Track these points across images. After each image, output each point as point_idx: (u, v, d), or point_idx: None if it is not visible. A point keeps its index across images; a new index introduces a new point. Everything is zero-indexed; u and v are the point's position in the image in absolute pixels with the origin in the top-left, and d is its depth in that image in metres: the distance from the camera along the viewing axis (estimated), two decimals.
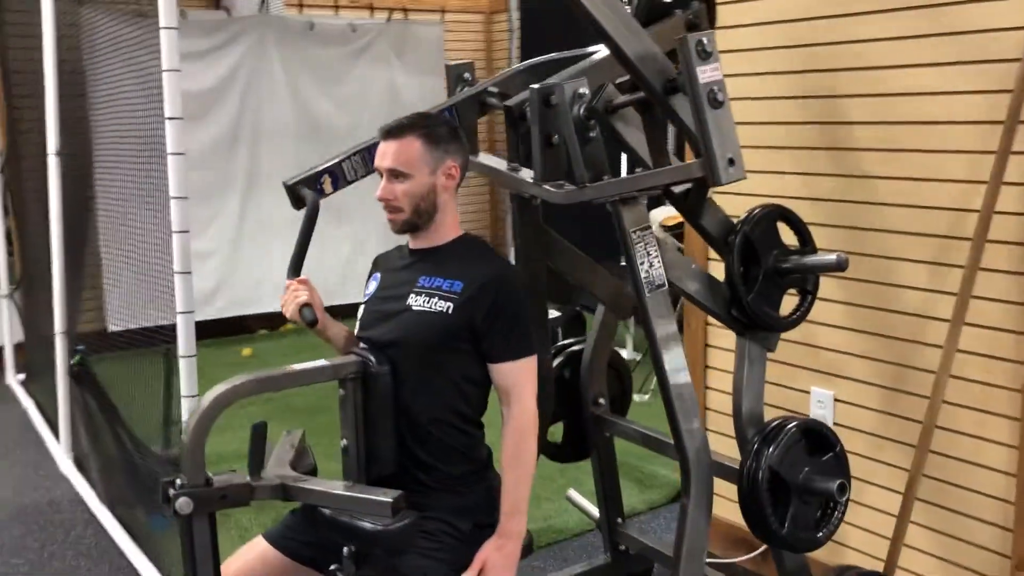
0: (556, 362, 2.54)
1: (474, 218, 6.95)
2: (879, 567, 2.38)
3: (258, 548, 1.93)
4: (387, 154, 1.90)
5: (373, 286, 2.05)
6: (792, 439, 1.96)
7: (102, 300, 5.59)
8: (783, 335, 2.62)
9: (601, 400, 2.53)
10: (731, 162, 1.68)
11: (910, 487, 2.30)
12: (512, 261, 2.37)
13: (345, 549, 1.82)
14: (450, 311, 1.86)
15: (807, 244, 2.09)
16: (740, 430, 2.06)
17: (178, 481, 1.66)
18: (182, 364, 2.47)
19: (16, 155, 5.19)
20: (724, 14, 2.72)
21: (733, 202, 2.29)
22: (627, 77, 1.96)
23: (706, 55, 1.65)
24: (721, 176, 1.67)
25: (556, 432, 2.60)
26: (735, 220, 2.03)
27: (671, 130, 3.88)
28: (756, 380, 2.08)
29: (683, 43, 1.64)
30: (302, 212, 2.05)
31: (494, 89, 2.20)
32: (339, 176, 2.12)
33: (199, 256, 4.82)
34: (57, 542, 3.23)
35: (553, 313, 5.32)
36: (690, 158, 1.96)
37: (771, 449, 1.94)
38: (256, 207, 5.85)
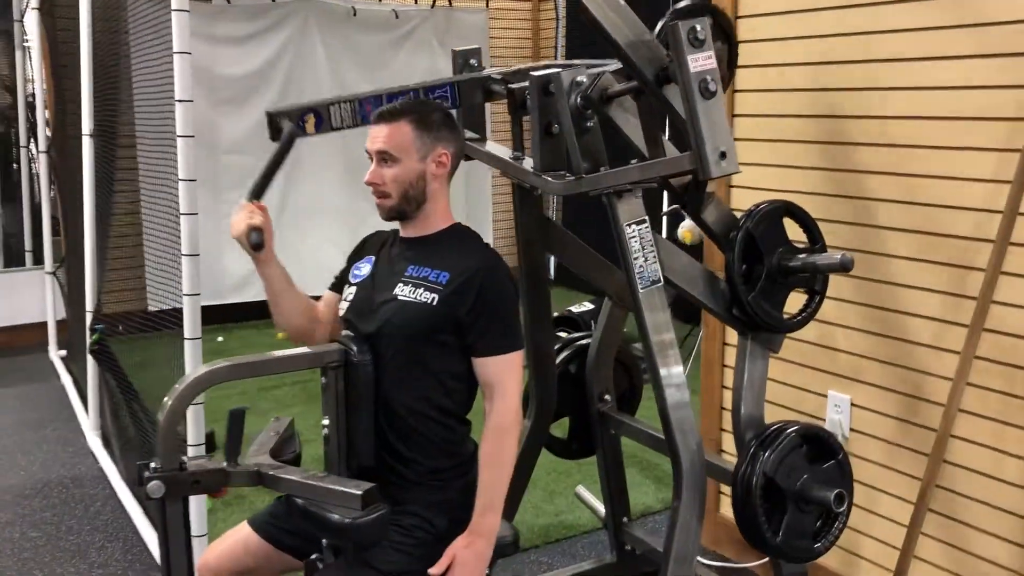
0: (562, 356, 2.49)
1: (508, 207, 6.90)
2: None
3: (241, 533, 1.92)
4: (378, 137, 1.86)
5: (367, 269, 1.98)
6: (791, 444, 1.89)
7: (143, 280, 5.73)
8: (801, 335, 2.56)
9: (607, 396, 2.47)
10: (723, 155, 1.61)
11: (922, 498, 2.21)
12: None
13: (324, 540, 1.81)
14: (435, 302, 1.82)
15: (816, 242, 2.01)
16: (738, 433, 1.99)
17: (152, 464, 1.65)
18: (187, 346, 2.49)
19: (64, 136, 5.30)
20: (744, 2, 2.63)
21: (752, 197, 2.23)
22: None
23: (698, 43, 1.58)
24: (712, 169, 1.60)
25: (563, 427, 2.55)
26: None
27: None
28: (757, 382, 2.01)
29: (674, 30, 1.57)
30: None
31: (498, 76, 2.15)
32: (323, 119, 2.04)
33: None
34: (75, 517, 3.29)
35: (587, 305, 5.27)
36: None
37: (768, 454, 1.87)
38: (296, 192, 5.88)
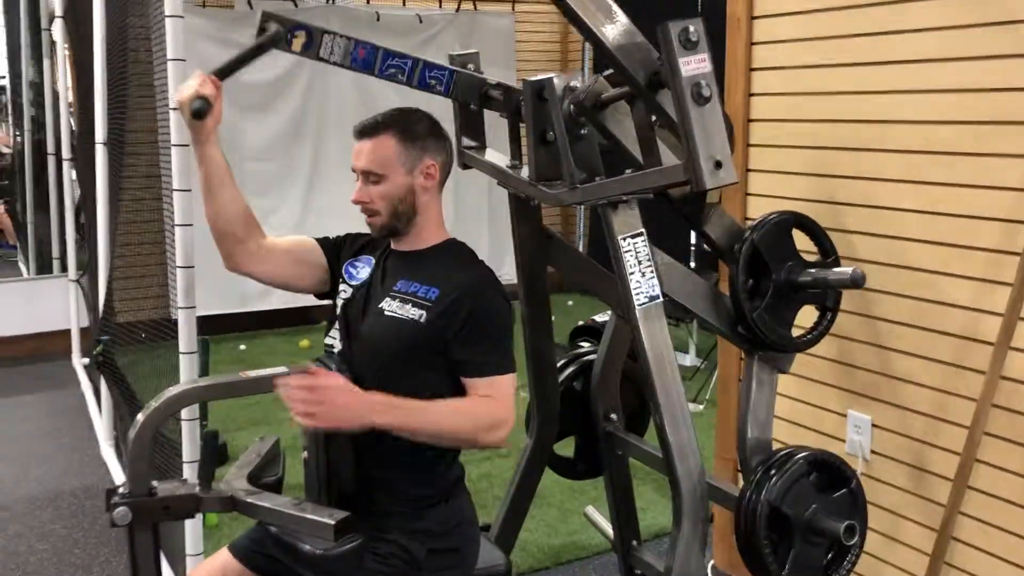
0: (567, 372, 2.39)
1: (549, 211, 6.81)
2: None
3: (221, 559, 1.85)
4: (361, 153, 1.78)
5: (365, 273, 1.88)
6: (799, 471, 1.77)
7: (166, 288, 5.73)
8: (819, 352, 2.44)
9: (613, 416, 2.36)
10: (718, 165, 1.50)
11: (945, 526, 2.08)
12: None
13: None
14: (422, 319, 1.73)
15: (829, 255, 1.90)
16: (744, 458, 1.88)
17: (120, 489, 1.59)
18: (182, 361, 2.41)
19: (86, 144, 5.31)
20: (760, 2, 2.52)
21: (769, 205, 2.11)
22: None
23: (691, 45, 1.48)
24: (706, 180, 1.49)
25: (570, 446, 2.46)
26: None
27: None
28: (764, 404, 1.90)
29: (664, 31, 1.47)
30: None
31: (493, 81, 2.06)
32: (313, 43, 1.87)
33: None
34: (83, 530, 3.26)
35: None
36: None
37: (774, 480, 1.76)
38: (319, 199, 5.85)
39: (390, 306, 1.78)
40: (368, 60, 1.90)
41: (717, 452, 2.89)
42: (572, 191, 1.79)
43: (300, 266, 1.90)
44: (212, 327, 5.51)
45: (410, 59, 1.95)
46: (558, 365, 2.40)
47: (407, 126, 1.79)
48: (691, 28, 1.48)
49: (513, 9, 6.44)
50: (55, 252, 6.02)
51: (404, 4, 6.02)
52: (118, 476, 3.64)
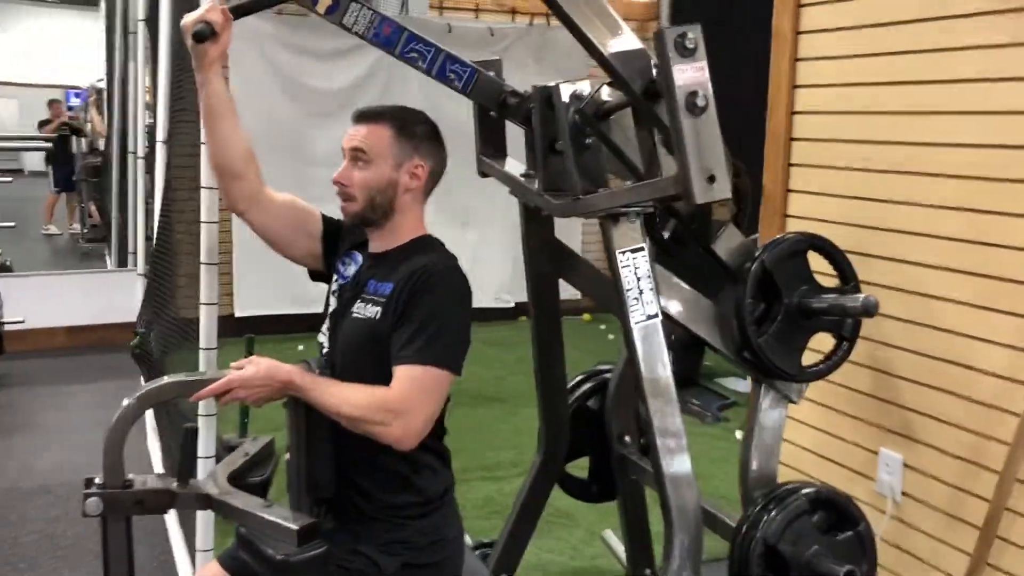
0: (582, 389, 2.32)
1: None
2: None
3: (210, 571, 1.82)
4: (355, 136, 1.76)
5: (352, 271, 1.84)
6: (800, 508, 1.67)
7: (230, 287, 5.86)
8: (853, 384, 2.32)
9: (627, 438, 2.28)
10: (712, 179, 1.42)
11: None
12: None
13: None
14: (377, 316, 1.70)
15: (848, 281, 1.79)
16: (746, 490, 1.78)
17: (96, 480, 1.59)
18: (201, 357, 2.43)
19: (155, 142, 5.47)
20: (806, 17, 2.41)
21: (809, 228, 2.01)
22: None
23: (687, 52, 1.41)
24: (697, 194, 1.41)
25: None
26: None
27: None
28: (770, 434, 1.80)
29: (659, 36, 1.41)
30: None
31: (510, 88, 2.01)
32: (338, 7, 1.78)
33: None
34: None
35: None
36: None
37: (773, 515, 1.66)
38: None
39: (357, 308, 1.76)
40: (391, 39, 1.85)
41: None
42: (575, 202, 1.73)
43: (295, 231, 1.86)
44: (271, 327, 5.62)
45: (434, 47, 1.91)
46: (575, 382, 2.34)
47: (406, 122, 1.76)
48: (689, 34, 1.41)
49: None
50: (131, 247, 6.22)
51: (477, 16, 6.03)
52: (159, 467, 3.71)
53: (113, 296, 5.94)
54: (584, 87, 1.73)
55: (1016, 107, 1.93)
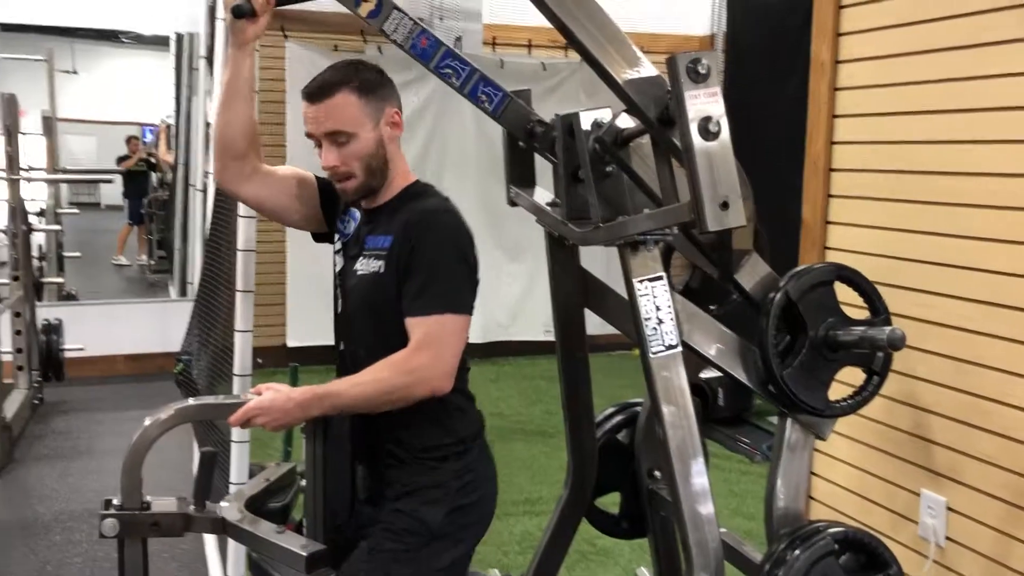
0: (612, 422, 2.28)
1: None
2: None
3: None
4: (320, 118, 1.72)
5: (352, 227, 1.87)
6: (825, 548, 1.61)
7: (283, 316, 5.94)
8: (894, 422, 2.24)
9: (657, 473, 2.23)
10: (725, 205, 1.39)
11: None
12: None
13: None
14: (381, 270, 1.73)
15: (878, 313, 1.73)
16: (770, 529, 1.72)
17: (114, 501, 1.61)
18: (236, 383, 2.46)
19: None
20: (845, 46, 2.37)
21: (848, 261, 1.96)
22: None
23: (700, 78, 1.38)
24: (709, 221, 1.38)
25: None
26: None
27: None
28: (796, 471, 1.74)
29: (672, 63, 1.39)
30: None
31: (537, 117, 2.01)
32: (380, 12, 1.72)
33: None
34: (162, 542, 3.33)
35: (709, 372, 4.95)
36: None
37: (796, 555, 1.60)
38: None
39: (361, 265, 1.78)
40: (427, 52, 1.86)
41: None
42: (595, 230, 1.71)
43: (293, 200, 1.88)
44: (322, 357, 5.65)
45: (470, 67, 1.92)
46: (605, 414, 2.30)
47: (363, 78, 1.74)
48: (702, 60, 1.39)
49: None
50: (190, 277, 6.38)
51: (530, 52, 6.08)
52: None
53: (172, 325, 6.06)
54: (604, 115, 1.71)
55: None
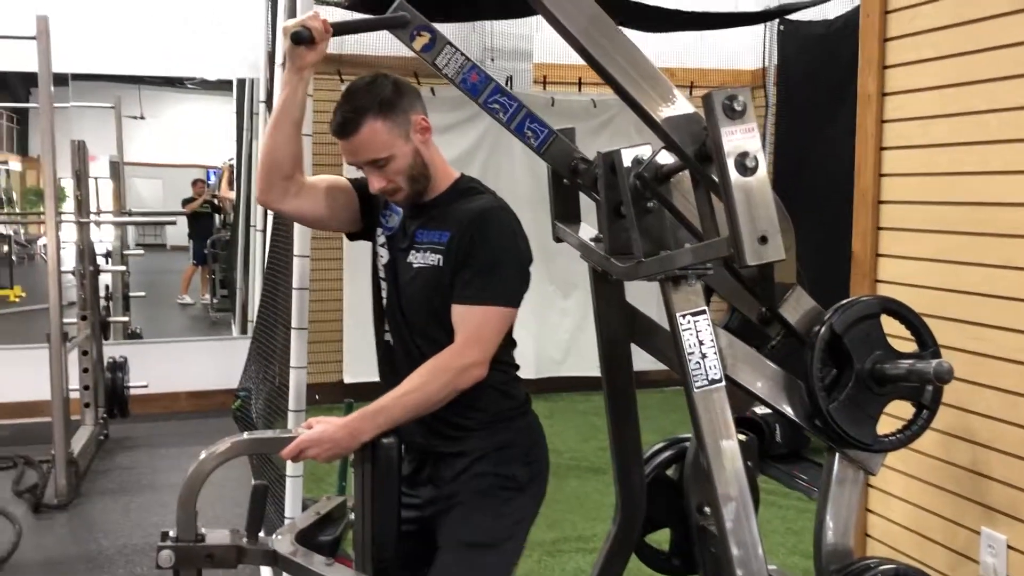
0: (662, 457, 2.27)
1: None
2: None
3: None
4: (355, 150, 1.82)
5: (396, 220, 1.96)
6: None
7: (340, 353, 6.03)
8: (953, 459, 2.20)
9: (707, 509, 2.21)
10: (763, 240, 1.40)
11: None
12: None
13: None
14: (440, 263, 1.82)
15: (926, 346, 1.71)
16: (819, 567, 1.70)
17: (170, 532, 1.66)
18: (290, 418, 2.52)
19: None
20: (891, 78, 2.36)
21: (898, 294, 1.95)
22: None
23: (736, 114, 1.40)
24: (748, 256, 1.39)
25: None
26: None
27: None
28: (846, 507, 1.72)
29: (708, 99, 1.41)
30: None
31: (580, 154, 2.05)
32: (432, 47, 1.81)
33: None
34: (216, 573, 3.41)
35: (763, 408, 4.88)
36: None
37: None
38: None
39: (415, 258, 1.87)
40: (477, 87, 1.94)
41: None
42: (638, 265, 1.73)
43: (332, 208, 1.96)
44: (379, 394, 5.73)
45: (517, 103, 1.98)
46: (654, 450, 2.30)
47: (382, 99, 1.80)
48: (738, 97, 1.41)
49: (691, 94, 6.41)
50: (250, 316, 6.52)
51: (580, 90, 6.13)
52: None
53: (234, 362, 6.20)
54: (645, 152, 1.74)
55: None
